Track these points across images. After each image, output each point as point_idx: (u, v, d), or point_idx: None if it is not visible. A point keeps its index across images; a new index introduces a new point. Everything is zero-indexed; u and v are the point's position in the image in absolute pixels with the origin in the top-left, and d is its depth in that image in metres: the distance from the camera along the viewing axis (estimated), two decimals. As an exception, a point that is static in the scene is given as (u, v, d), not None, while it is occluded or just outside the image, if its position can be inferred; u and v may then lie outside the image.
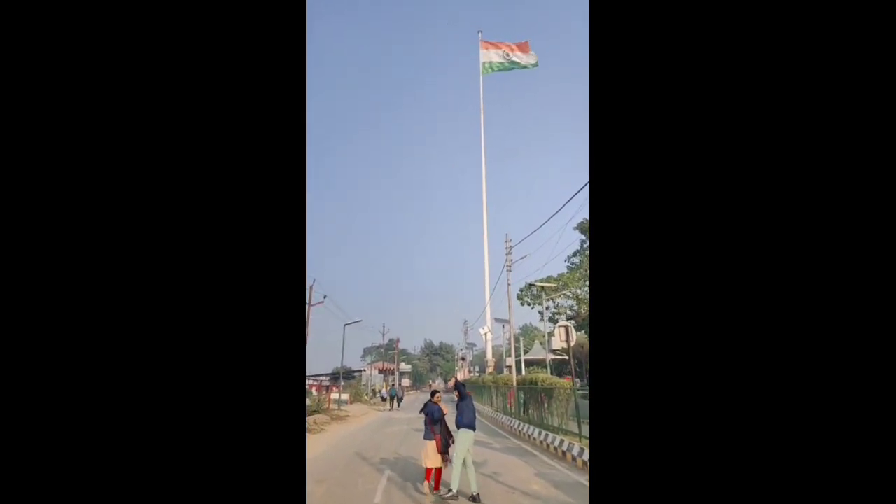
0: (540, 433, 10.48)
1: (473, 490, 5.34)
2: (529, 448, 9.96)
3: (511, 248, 17.04)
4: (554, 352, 15.67)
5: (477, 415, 6.02)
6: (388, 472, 7.33)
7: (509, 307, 16.92)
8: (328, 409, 20.94)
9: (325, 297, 21.90)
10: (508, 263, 17.00)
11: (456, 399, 5.93)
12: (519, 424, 12.80)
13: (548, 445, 9.62)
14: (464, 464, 5.53)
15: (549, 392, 10.76)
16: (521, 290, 23.52)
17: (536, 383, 12.04)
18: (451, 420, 5.89)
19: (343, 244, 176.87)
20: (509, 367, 20.26)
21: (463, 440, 5.57)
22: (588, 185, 6.94)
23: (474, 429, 5.71)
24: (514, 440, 11.46)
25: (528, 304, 24.95)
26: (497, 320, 21.68)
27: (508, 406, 16.21)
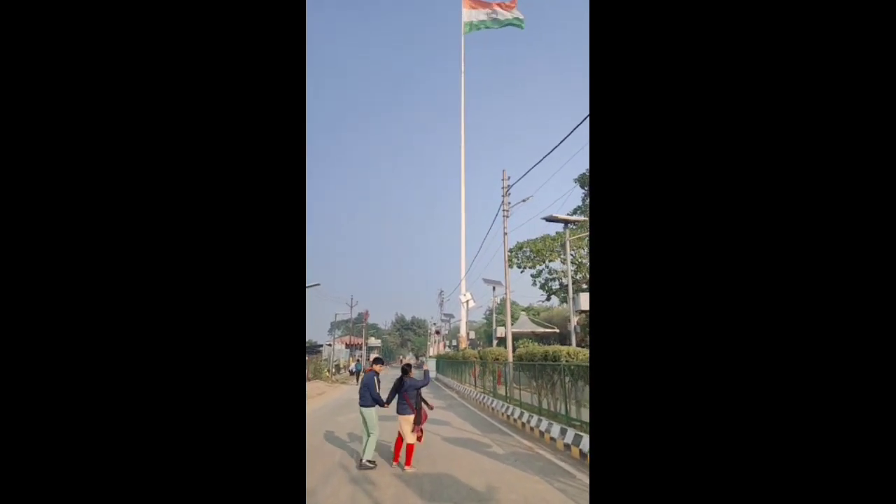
0: (563, 432, 7.13)
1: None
2: (551, 456, 6.56)
3: (508, 188, 13.36)
4: (583, 313, 12.48)
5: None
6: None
7: (505, 262, 13.34)
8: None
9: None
10: (505, 208, 13.34)
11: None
12: (521, 414, 9.48)
13: (580, 453, 6.29)
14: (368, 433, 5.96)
15: (581, 372, 7.33)
16: (511, 251, 20.10)
17: (558, 358, 8.47)
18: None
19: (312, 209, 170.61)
20: (500, 338, 17.08)
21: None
22: (588, 119, 6.29)
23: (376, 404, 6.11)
24: (519, 438, 8.07)
25: (519, 268, 21.55)
26: (487, 281, 18.20)
27: (493, 386, 12.95)
